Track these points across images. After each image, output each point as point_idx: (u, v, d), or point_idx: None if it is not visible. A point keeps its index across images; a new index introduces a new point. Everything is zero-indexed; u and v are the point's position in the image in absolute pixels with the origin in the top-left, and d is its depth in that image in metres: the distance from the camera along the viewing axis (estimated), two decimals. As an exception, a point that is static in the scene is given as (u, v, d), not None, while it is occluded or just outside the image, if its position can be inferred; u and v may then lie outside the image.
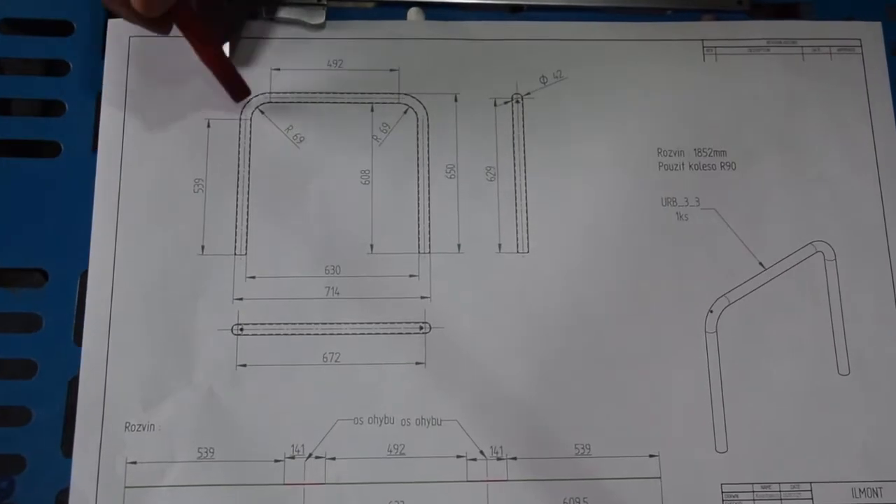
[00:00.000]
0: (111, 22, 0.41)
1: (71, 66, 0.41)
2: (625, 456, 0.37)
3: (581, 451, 0.37)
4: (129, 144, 0.39)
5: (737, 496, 0.37)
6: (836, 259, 0.40)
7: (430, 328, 0.38)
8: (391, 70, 0.41)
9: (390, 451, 0.37)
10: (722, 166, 0.41)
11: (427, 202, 0.40)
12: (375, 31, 0.42)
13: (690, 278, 0.39)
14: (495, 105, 0.41)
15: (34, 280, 0.39)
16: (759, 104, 0.41)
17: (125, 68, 0.40)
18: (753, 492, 0.37)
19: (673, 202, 0.40)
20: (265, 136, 0.40)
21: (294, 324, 0.38)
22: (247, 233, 0.39)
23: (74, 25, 0.41)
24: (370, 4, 0.42)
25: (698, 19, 0.43)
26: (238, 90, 0.39)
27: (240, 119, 0.40)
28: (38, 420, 0.37)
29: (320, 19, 0.41)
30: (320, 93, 0.41)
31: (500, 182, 0.40)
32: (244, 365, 0.37)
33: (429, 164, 0.40)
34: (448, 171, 0.40)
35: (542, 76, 0.41)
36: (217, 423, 0.37)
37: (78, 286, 0.38)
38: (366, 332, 0.38)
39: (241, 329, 0.38)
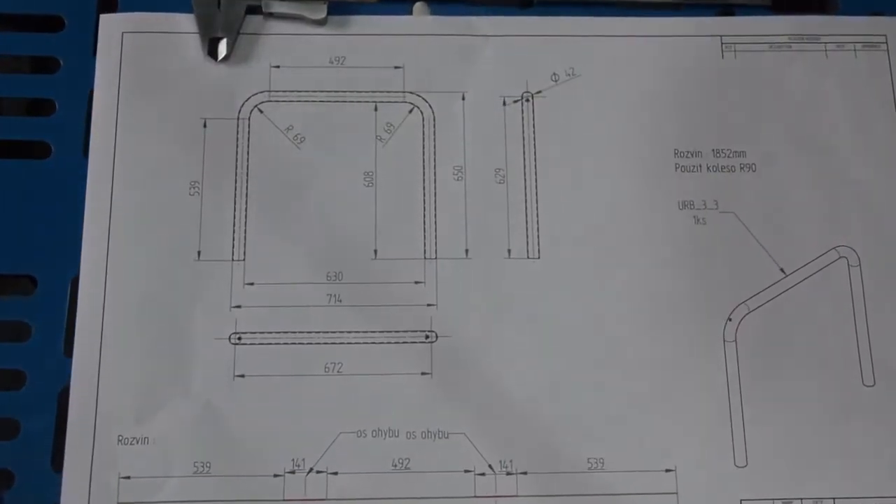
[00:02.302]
0: (103, 17, 0.40)
1: (61, 63, 0.40)
2: (640, 470, 0.36)
3: (594, 465, 0.36)
4: (121, 145, 0.39)
5: (757, 512, 0.36)
6: (860, 265, 0.38)
7: (437, 337, 0.37)
8: (396, 67, 0.40)
9: (395, 466, 0.36)
10: (741, 168, 0.40)
11: (433, 205, 0.39)
12: (379, 27, 0.41)
13: (708, 285, 0.38)
14: (504, 104, 0.40)
15: (22, 287, 0.38)
16: (780, 103, 0.40)
17: (118, 65, 0.39)
18: (774, 508, 0.36)
19: (690, 205, 0.39)
20: (264, 137, 0.39)
21: (294, 332, 0.37)
22: (245, 237, 0.38)
23: (65, 21, 0.40)
24: (374, -1, 0.42)
25: (716, 14, 0.42)
26: None
27: (238, 118, 0.39)
28: (27, 433, 0.36)
29: (322, 14, 0.40)
30: (322, 91, 0.40)
31: (510, 184, 0.39)
32: (242, 375, 0.36)
33: (435, 166, 0.39)
34: (455, 172, 0.39)
35: (554, 74, 0.40)
36: (214, 437, 0.36)
37: (68, 293, 0.37)
38: (369, 341, 0.37)
39: (240, 338, 0.37)
